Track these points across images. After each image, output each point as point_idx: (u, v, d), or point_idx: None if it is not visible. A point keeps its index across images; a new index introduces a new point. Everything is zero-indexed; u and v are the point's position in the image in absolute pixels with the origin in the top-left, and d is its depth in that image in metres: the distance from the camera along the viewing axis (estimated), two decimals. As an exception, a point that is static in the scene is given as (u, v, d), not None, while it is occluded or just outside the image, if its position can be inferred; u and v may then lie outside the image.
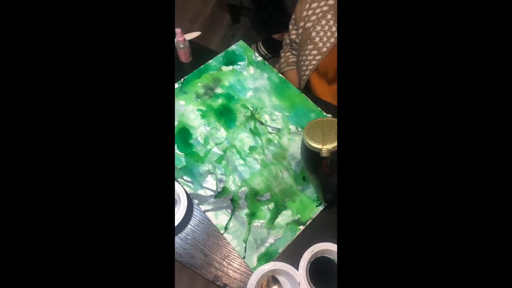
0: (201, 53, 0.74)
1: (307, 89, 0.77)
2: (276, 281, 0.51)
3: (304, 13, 0.67)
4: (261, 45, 1.25)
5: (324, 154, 0.41)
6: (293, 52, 0.80)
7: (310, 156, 0.44)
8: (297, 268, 0.49)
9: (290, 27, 0.74)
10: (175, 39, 0.67)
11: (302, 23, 0.69)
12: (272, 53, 1.23)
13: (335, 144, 0.41)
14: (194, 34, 0.73)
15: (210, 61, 0.71)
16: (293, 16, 0.71)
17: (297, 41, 0.73)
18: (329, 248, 0.49)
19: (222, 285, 0.52)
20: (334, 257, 0.51)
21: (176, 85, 0.68)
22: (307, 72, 0.72)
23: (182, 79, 0.68)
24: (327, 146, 0.41)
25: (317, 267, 0.50)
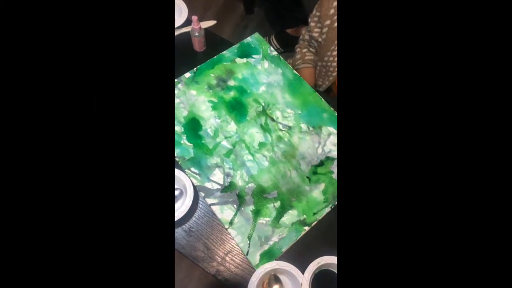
0: (215, 43, 0.72)
1: (328, 89, 0.76)
2: (277, 280, 0.51)
3: (332, 11, 0.65)
4: (274, 39, 1.22)
5: None
6: (311, 49, 0.77)
7: None
8: (299, 269, 0.49)
9: (313, 24, 0.70)
10: (191, 26, 0.65)
11: (328, 22, 0.66)
12: (285, 47, 1.21)
13: None
14: (210, 23, 0.71)
15: (224, 52, 0.70)
16: (317, 13, 0.68)
17: (320, 39, 0.70)
18: (335, 262, 0.49)
19: (223, 280, 0.51)
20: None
21: (189, 74, 0.66)
22: (334, 74, 0.70)
23: (195, 69, 0.67)
24: None
25: (321, 280, 0.50)
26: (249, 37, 0.72)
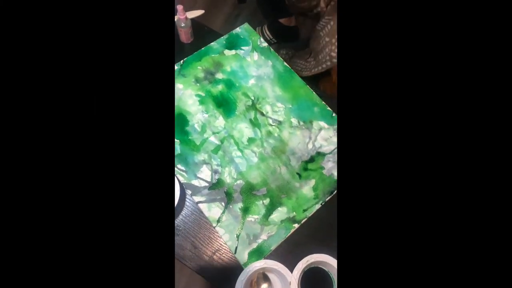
0: (203, 34, 0.69)
1: (315, 81, 0.74)
2: (266, 278, 0.50)
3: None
4: (266, 29, 1.19)
5: None
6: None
7: None
8: (288, 267, 0.48)
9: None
10: (176, 17, 0.62)
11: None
12: (278, 38, 1.18)
13: None
14: (197, 13, 0.68)
15: (212, 43, 0.67)
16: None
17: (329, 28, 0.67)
18: (325, 260, 0.48)
19: (211, 279, 0.51)
20: (328, 269, 0.50)
21: (176, 67, 0.64)
22: (328, 64, 0.68)
23: (181, 61, 0.64)
24: None
25: (310, 277, 0.49)
26: (238, 28, 0.69)
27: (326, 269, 0.50)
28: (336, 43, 0.66)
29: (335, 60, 0.69)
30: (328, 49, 0.70)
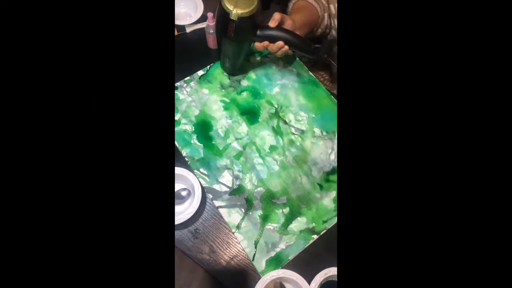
0: (230, 40, 0.70)
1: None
2: (283, 288, 0.50)
3: None
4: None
5: (232, 17, 0.46)
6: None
7: (221, 16, 0.48)
8: (306, 278, 0.48)
9: (335, 21, 0.61)
10: (206, 23, 0.64)
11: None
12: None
13: (245, 11, 0.46)
14: (225, 20, 0.69)
15: (238, 50, 0.68)
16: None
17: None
18: None
19: (227, 284, 0.51)
20: None
21: (201, 72, 0.65)
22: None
23: (208, 66, 0.66)
24: (238, 10, 0.45)
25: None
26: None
27: (344, 283, 0.50)
28: None
29: None
30: None
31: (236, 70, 0.63)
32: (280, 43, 0.51)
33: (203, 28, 0.68)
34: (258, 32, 0.51)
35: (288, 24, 0.52)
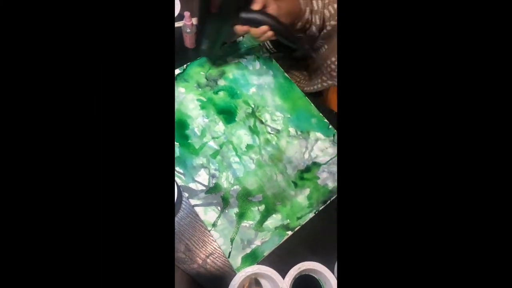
0: (207, 40, 0.71)
1: (318, 93, 0.75)
2: (258, 284, 0.51)
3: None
4: (268, 42, 1.21)
5: None
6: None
7: None
8: (281, 273, 0.49)
9: (317, 17, 0.61)
10: (182, 22, 0.64)
11: (334, 22, 0.60)
12: (278, 48, 1.21)
13: None
14: (203, 20, 0.69)
15: (216, 50, 0.68)
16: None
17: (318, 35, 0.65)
18: (316, 268, 0.49)
19: (203, 282, 0.51)
20: (318, 277, 0.51)
21: (178, 71, 0.65)
22: (329, 82, 0.69)
23: (184, 65, 0.66)
24: None
25: (301, 284, 0.50)
26: (241, 37, 0.71)
27: (316, 277, 0.52)
28: (329, 67, 0.67)
29: (325, 84, 0.70)
30: (320, 71, 0.71)
31: (214, 53, 0.61)
32: (265, 27, 0.48)
33: (179, 27, 0.67)
34: (243, 14, 0.47)
35: (273, 9, 0.49)
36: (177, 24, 0.70)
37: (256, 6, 0.48)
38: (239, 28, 0.50)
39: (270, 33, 0.50)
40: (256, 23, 0.49)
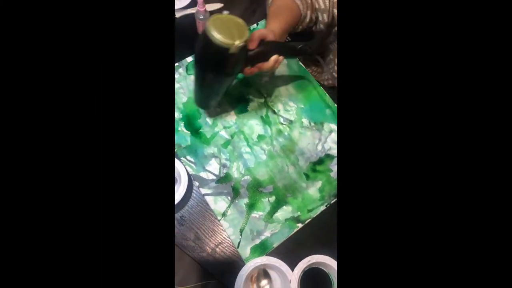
0: (220, 27, 0.69)
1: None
2: (267, 275, 0.51)
3: None
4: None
5: (233, 50, 0.39)
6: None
7: (215, 53, 0.40)
8: (289, 265, 0.48)
9: (324, 15, 0.60)
10: (195, 8, 0.63)
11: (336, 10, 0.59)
12: (292, 36, 1.17)
13: (244, 39, 0.39)
14: (216, 6, 0.68)
15: (229, 37, 0.67)
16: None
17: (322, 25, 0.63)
18: (325, 261, 0.48)
19: (212, 271, 0.51)
20: (328, 270, 0.50)
21: (191, 59, 0.64)
22: (330, 82, 0.67)
23: (197, 53, 0.65)
24: (238, 42, 0.38)
25: (310, 277, 0.50)
26: (255, 24, 0.69)
27: (326, 270, 0.51)
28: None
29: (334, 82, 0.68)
30: (331, 66, 0.69)
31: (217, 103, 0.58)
32: (273, 58, 0.48)
33: (193, 14, 0.66)
34: (250, 54, 0.45)
35: (269, 38, 0.48)
36: (190, 11, 0.69)
37: (252, 45, 0.46)
38: (250, 71, 0.48)
39: (280, 58, 0.49)
40: (264, 57, 0.47)
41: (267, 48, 0.47)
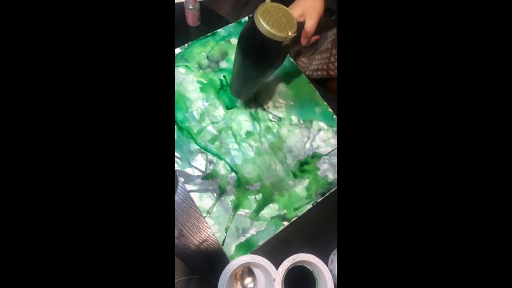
0: (210, 19, 0.67)
1: (323, 83, 0.73)
2: (251, 273, 0.50)
3: None
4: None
5: (287, 41, 0.37)
6: None
7: (267, 46, 0.38)
8: (274, 264, 0.48)
9: None
10: (185, -3, 0.60)
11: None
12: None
13: (295, 29, 0.37)
14: (207, -4, 0.65)
15: (219, 29, 0.65)
16: None
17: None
18: (310, 259, 0.48)
19: (196, 268, 0.50)
20: (312, 268, 0.51)
21: (179, 50, 0.62)
22: (324, 73, 0.66)
23: (186, 44, 0.63)
24: (290, 32, 0.36)
25: (295, 275, 0.50)
26: (247, 17, 0.67)
27: (310, 269, 0.51)
28: (336, 56, 0.65)
29: (331, 73, 0.68)
30: (326, 55, 0.69)
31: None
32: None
33: (181, 3, 0.64)
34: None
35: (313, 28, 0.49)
36: (178, 0, 0.66)
37: (304, 41, 0.48)
38: (306, 41, 0.50)
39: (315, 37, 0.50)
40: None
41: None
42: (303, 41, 0.48)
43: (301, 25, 0.47)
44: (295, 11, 0.48)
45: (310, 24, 0.47)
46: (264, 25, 0.35)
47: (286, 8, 0.37)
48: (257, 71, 0.44)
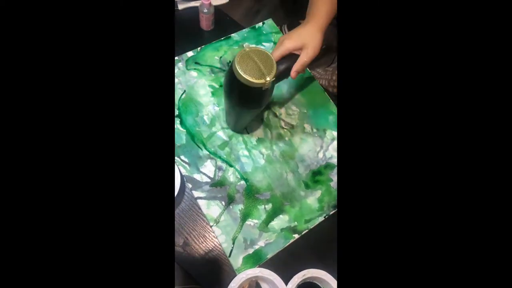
0: (224, 23, 0.66)
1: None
2: (258, 287, 0.48)
3: None
4: (286, 29, 1.16)
5: (266, 86, 0.37)
6: None
7: (247, 91, 0.38)
8: (283, 278, 0.46)
9: None
10: (200, 2, 0.60)
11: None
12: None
13: (274, 74, 0.37)
14: (222, 1, 0.65)
15: (233, 34, 0.64)
16: None
17: None
18: (321, 276, 0.46)
19: (200, 280, 0.48)
20: (323, 286, 0.48)
21: (191, 53, 0.61)
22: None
23: (198, 48, 0.62)
24: (269, 78, 0.36)
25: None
26: (261, 23, 0.67)
27: (321, 286, 0.48)
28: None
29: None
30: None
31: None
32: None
33: (196, 7, 0.63)
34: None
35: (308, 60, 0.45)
36: (194, 3, 0.66)
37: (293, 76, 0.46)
38: (295, 75, 0.46)
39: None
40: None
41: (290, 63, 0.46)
42: (293, 75, 0.45)
43: (296, 56, 0.45)
44: (296, 40, 0.44)
45: (304, 62, 0.44)
46: (241, 74, 0.35)
47: (267, 52, 0.37)
48: (243, 111, 0.44)
